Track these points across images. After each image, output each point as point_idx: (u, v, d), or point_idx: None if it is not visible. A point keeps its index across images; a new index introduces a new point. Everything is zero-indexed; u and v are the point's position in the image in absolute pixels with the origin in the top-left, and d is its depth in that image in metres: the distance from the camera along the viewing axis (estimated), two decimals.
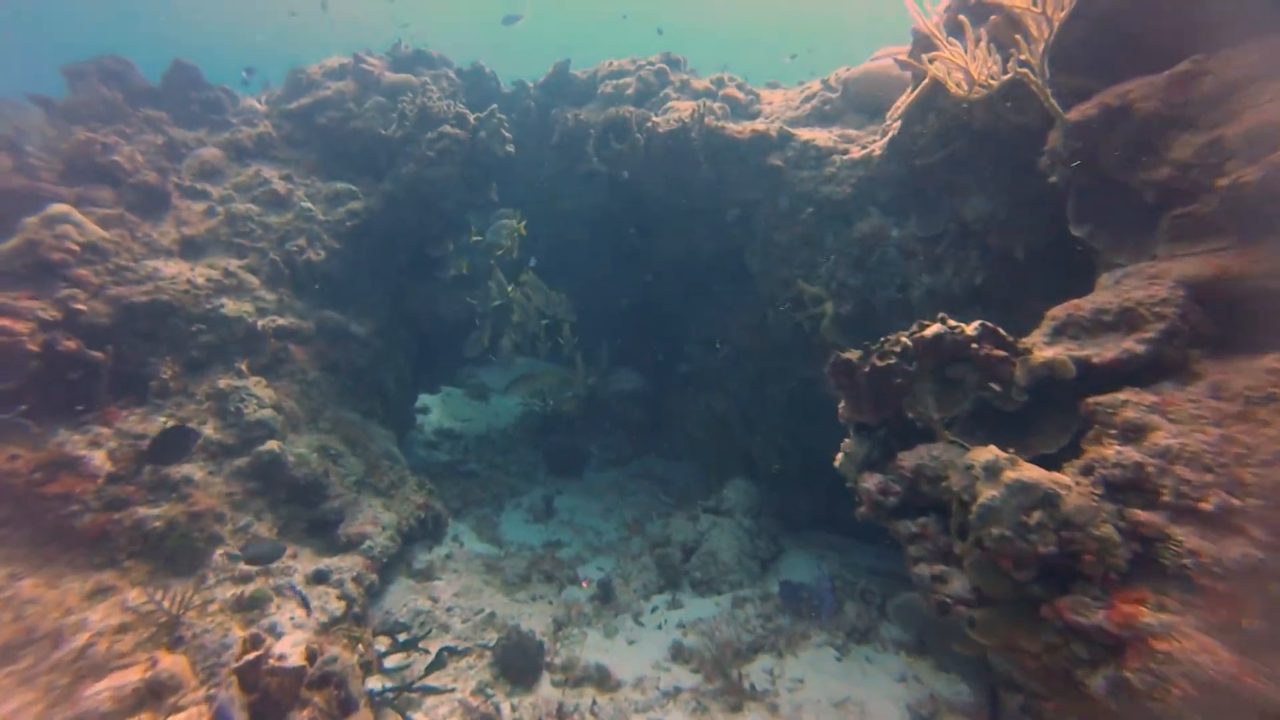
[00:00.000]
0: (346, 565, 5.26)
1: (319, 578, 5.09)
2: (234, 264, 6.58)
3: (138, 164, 6.47)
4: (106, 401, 5.28)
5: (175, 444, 5.09)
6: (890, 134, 5.34)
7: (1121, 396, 2.32)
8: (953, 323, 2.92)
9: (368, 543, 5.56)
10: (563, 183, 8.74)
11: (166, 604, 4.30)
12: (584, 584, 6.01)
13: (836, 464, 3.36)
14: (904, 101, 5.73)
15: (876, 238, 5.48)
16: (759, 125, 6.23)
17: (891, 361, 3.00)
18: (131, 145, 6.85)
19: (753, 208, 6.34)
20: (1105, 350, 2.46)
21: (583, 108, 8.46)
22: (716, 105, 6.65)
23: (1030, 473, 2.22)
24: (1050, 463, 2.41)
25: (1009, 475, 2.24)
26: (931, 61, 3.80)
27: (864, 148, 5.82)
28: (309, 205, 7.45)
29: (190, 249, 6.51)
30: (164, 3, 37.66)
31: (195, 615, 4.36)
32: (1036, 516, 2.14)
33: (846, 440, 3.34)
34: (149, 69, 8.30)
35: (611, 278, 8.74)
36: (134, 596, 4.32)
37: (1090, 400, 2.41)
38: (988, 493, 2.28)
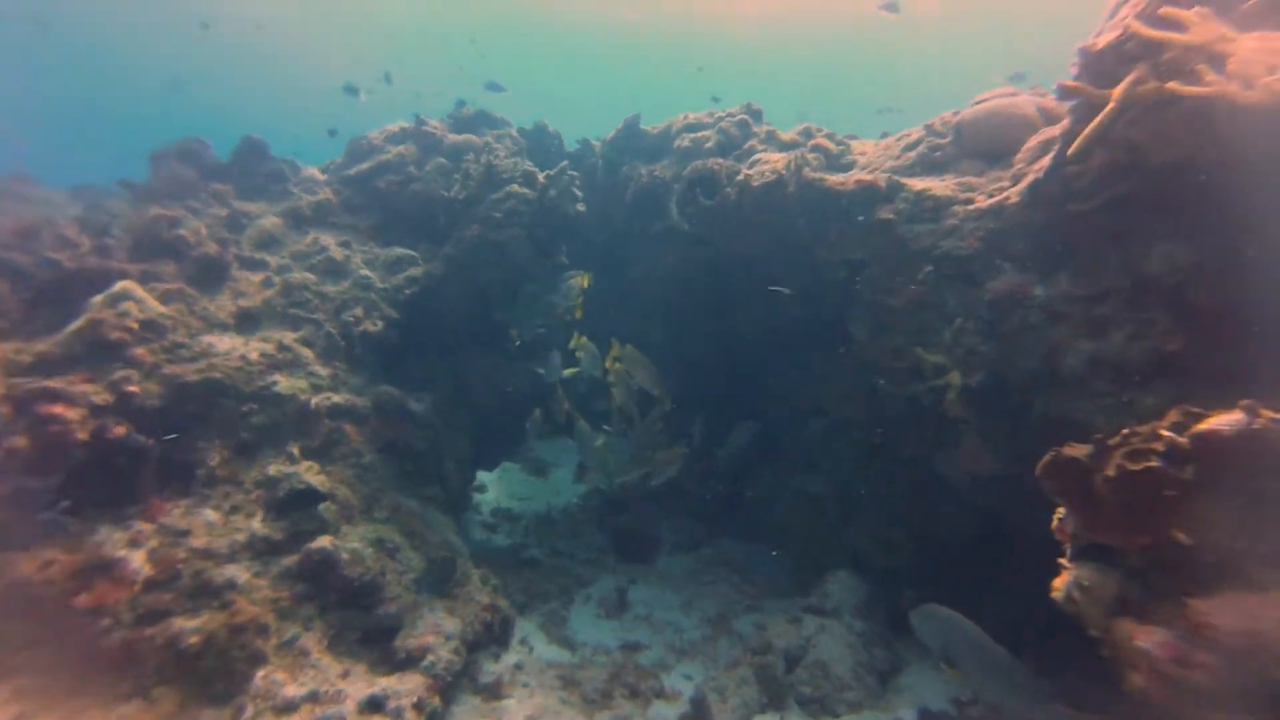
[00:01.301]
0: (406, 688, 4.52)
1: (373, 706, 4.35)
2: (289, 337, 6.14)
3: (201, 236, 6.17)
4: (151, 492, 4.76)
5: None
6: (1031, 178, 4.62)
7: None
8: (1269, 412, 2.11)
9: (430, 658, 4.82)
10: (633, 244, 8.23)
11: None
12: None
13: (1058, 595, 2.52)
14: (1036, 141, 5.03)
15: (1014, 298, 4.69)
16: (864, 176, 5.59)
17: (1152, 465, 2.20)
18: (199, 219, 6.61)
19: (858, 268, 5.64)
20: None
21: (656, 164, 8.00)
22: (812, 156, 6.06)
23: None
24: None
25: None
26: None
27: (991, 196, 5.10)
28: (367, 273, 7.06)
29: (246, 321, 6.11)
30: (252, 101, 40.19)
31: None
32: None
33: (1077, 568, 2.50)
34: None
35: (685, 347, 8.08)
36: None
37: None
38: None
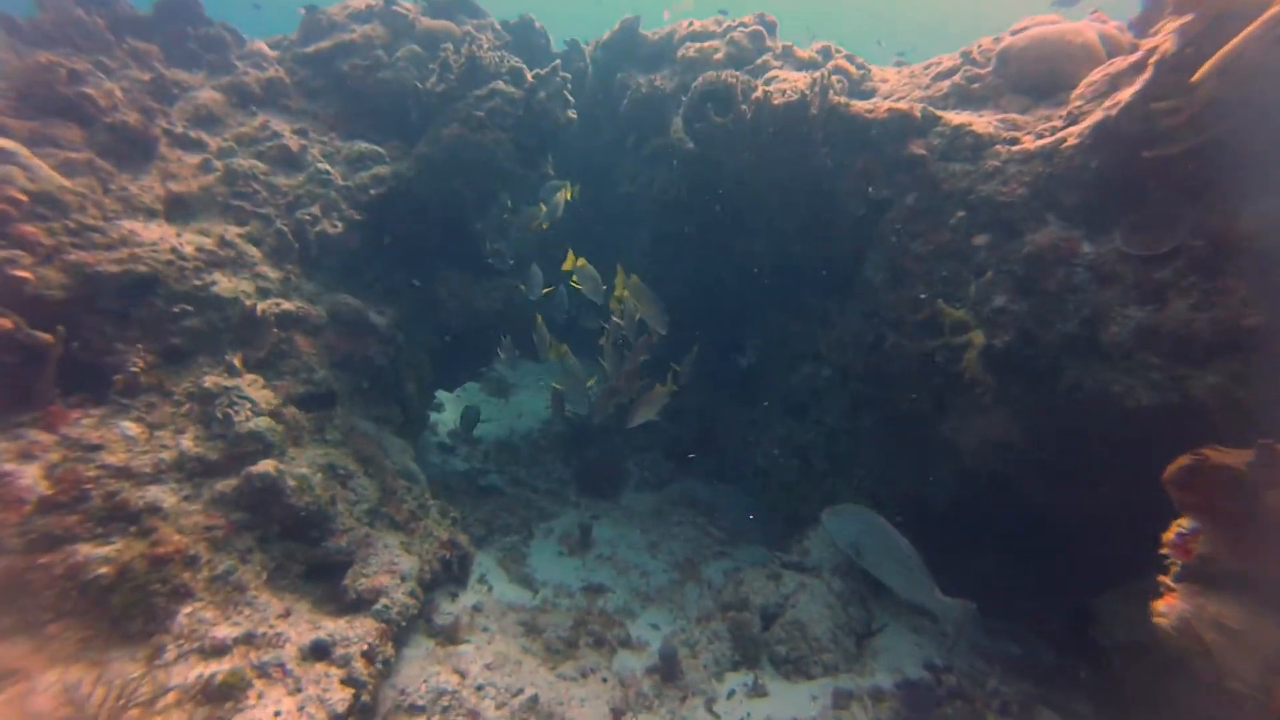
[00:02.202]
0: (355, 634, 4.04)
1: (318, 652, 3.88)
2: (232, 231, 5.35)
3: (116, 100, 5.20)
4: (51, 398, 4.05)
5: None
6: (1097, 116, 4.10)
7: None
8: None
9: (383, 601, 4.34)
10: (624, 159, 7.50)
11: (98, 696, 3.10)
12: None
13: (1167, 623, 2.13)
14: (1101, 75, 4.49)
15: (1056, 254, 4.25)
16: (897, 104, 4.99)
17: None
18: (113, 80, 5.59)
19: (882, 207, 5.11)
20: None
21: (655, 73, 7.21)
22: (835, 79, 5.40)
23: None
24: None
25: None
26: None
27: (1040, 137, 4.58)
28: (326, 167, 6.21)
29: (178, 209, 5.28)
30: None
31: (139, 715, 3.14)
32: None
33: (1208, 600, 2.10)
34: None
35: (673, 278, 7.49)
36: (46, 685, 3.10)
37: None
38: None
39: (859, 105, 5.16)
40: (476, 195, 6.22)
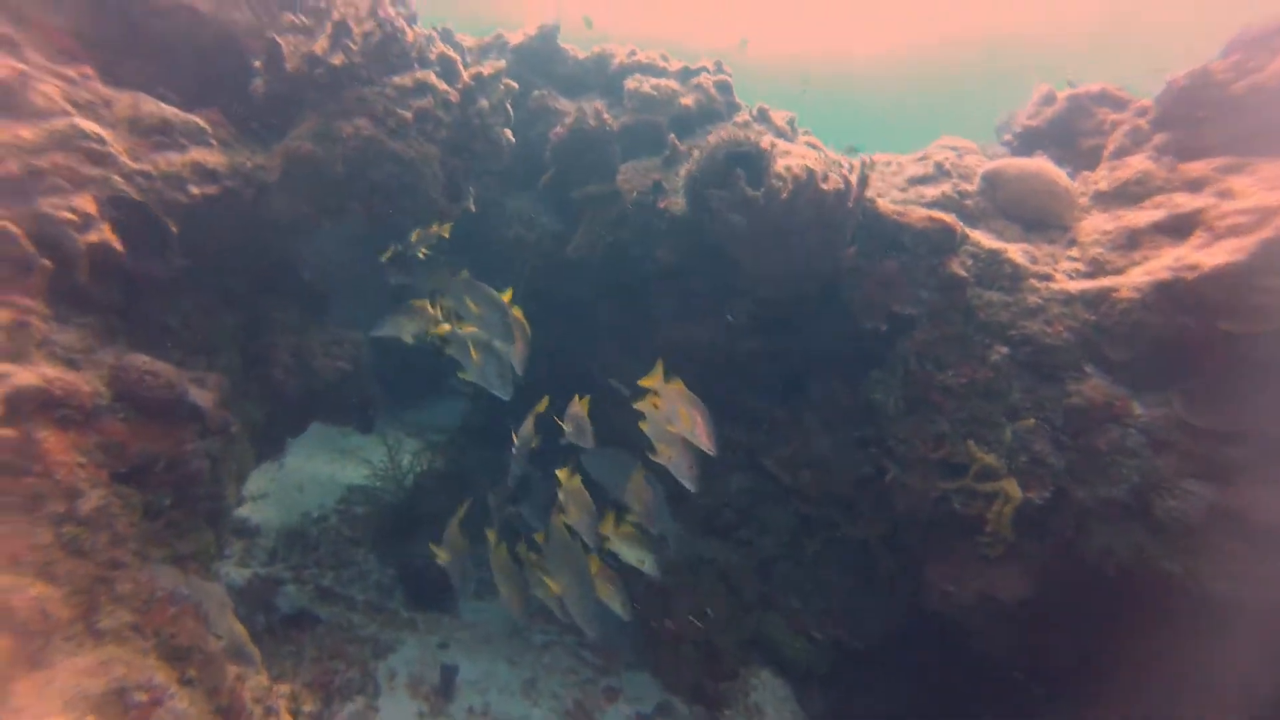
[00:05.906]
0: None
1: None
2: None
3: None
4: None
5: None
6: (1162, 276, 3.92)
7: None
8: None
9: None
10: (515, 198, 6.00)
11: None
12: None
13: None
14: (1115, 226, 4.42)
15: (1109, 411, 4.00)
16: (936, 213, 4.46)
17: None
18: None
19: (901, 324, 4.50)
20: None
21: (581, 98, 5.90)
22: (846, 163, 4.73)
23: None
24: None
25: None
26: None
27: (1071, 278, 4.37)
28: (96, 129, 3.80)
29: None
30: None
31: None
32: None
33: None
34: None
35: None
36: None
37: None
38: None
39: (886, 205, 4.54)
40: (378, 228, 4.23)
